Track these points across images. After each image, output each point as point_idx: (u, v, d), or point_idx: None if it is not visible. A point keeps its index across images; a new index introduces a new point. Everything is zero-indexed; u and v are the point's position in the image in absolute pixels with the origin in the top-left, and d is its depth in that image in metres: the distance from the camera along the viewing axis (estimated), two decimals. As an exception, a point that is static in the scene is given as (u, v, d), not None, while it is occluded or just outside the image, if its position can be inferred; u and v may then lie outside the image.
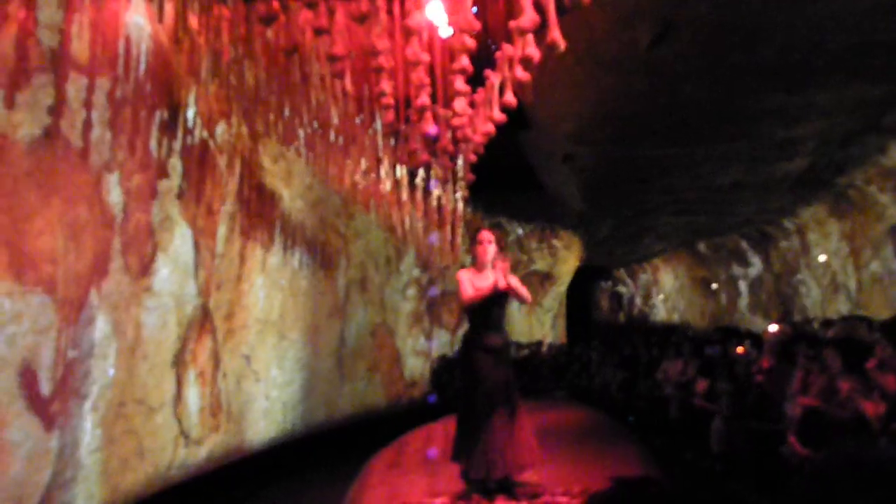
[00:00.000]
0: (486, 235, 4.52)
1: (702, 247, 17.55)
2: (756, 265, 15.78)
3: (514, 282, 4.33)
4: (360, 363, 9.84)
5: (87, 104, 3.58)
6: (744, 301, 16.79)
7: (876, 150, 9.30)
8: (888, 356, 3.82)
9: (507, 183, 11.93)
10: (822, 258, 12.57)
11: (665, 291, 22.23)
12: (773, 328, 5.84)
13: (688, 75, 7.01)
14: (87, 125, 3.57)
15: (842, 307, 11.44)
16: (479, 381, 4.27)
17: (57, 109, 3.50)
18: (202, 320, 5.71)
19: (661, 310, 22.63)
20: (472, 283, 4.39)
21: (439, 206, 5.38)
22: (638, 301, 24.48)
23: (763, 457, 4.93)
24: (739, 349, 7.34)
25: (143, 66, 4.31)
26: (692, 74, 6.99)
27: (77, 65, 3.74)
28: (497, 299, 4.40)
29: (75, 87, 3.71)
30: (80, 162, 3.87)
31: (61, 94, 3.53)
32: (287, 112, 4.65)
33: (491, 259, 4.42)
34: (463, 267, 4.66)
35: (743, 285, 16.77)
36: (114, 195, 4.28)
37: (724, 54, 6.55)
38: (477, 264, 4.50)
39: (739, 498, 5.02)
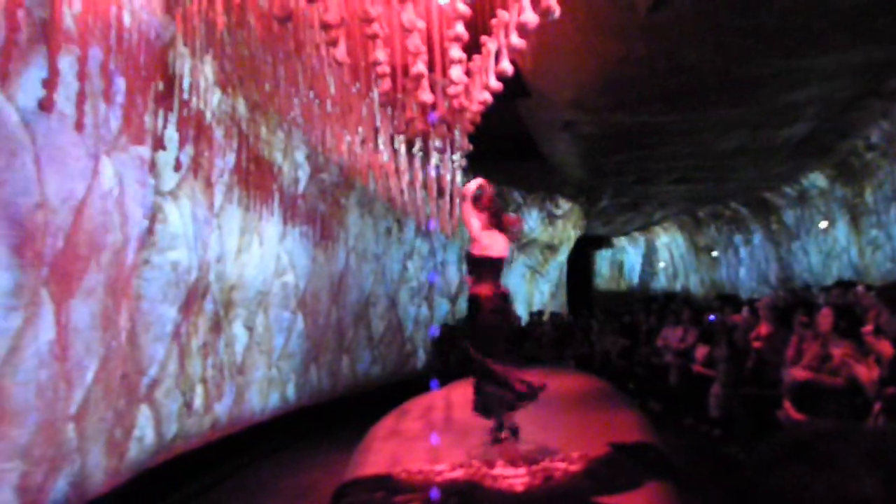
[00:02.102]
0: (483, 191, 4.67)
1: (702, 214, 17.50)
2: (757, 232, 15.76)
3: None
4: (362, 333, 9.91)
5: (81, 76, 3.54)
6: (744, 268, 16.80)
7: (879, 115, 9.21)
8: (884, 321, 3.84)
9: (506, 152, 11.86)
10: (822, 225, 12.55)
11: (665, 259, 22.25)
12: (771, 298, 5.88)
13: (688, 40, 6.90)
14: (81, 97, 3.54)
15: (842, 274, 11.44)
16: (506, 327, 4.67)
17: (50, 81, 3.47)
18: (203, 292, 5.73)
19: (662, 277, 22.67)
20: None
21: (438, 176, 5.35)
22: (638, 269, 24.51)
23: (760, 422, 5.00)
24: (738, 316, 7.39)
25: (135, 37, 4.26)
26: (692, 39, 6.88)
27: (69, 36, 3.70)
28: None
29: (68, 58, 3.67)
30: (76, 135, 3.85)
31: (54, 65, 3.50)
32: (283, 82, 4.61)
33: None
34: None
35: (743, 252, 16.76)
36: (110, 168, 4.27)
37: (724, 18, 6.45)
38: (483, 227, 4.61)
39: (737, 462, 5.09)
